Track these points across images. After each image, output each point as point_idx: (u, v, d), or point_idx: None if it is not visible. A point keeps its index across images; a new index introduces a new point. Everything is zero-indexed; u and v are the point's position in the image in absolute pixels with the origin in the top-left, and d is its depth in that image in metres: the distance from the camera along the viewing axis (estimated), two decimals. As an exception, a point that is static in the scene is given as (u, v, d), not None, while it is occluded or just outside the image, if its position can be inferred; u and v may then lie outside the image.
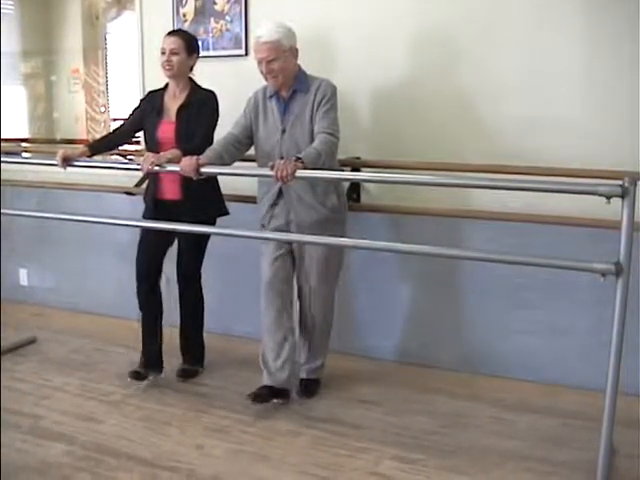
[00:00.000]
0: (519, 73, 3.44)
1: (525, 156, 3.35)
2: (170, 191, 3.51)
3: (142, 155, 3.34)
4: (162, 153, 3.24)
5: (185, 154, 3.19)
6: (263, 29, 3.19)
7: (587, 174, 3.03)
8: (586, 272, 2.48)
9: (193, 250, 3.62)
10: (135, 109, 3.61)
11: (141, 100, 3.64)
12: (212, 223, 3.55)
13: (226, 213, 3.61)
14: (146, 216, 3.61)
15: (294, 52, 3.24)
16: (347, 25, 3.74)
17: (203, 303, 3.75)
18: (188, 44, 3.45)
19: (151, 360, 3.69)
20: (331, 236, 3.19)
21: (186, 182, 3.33)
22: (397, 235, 3.63)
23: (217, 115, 3.47)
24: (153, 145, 3.47)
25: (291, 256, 3.42)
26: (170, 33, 3.49)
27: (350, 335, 3.98)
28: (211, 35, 4.09)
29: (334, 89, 3.24)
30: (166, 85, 3.56)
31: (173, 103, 3.49)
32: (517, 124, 3.46)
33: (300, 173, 2.87)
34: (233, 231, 3.33)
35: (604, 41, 3.27)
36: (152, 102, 3.55)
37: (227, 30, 4.00)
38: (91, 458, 2.87)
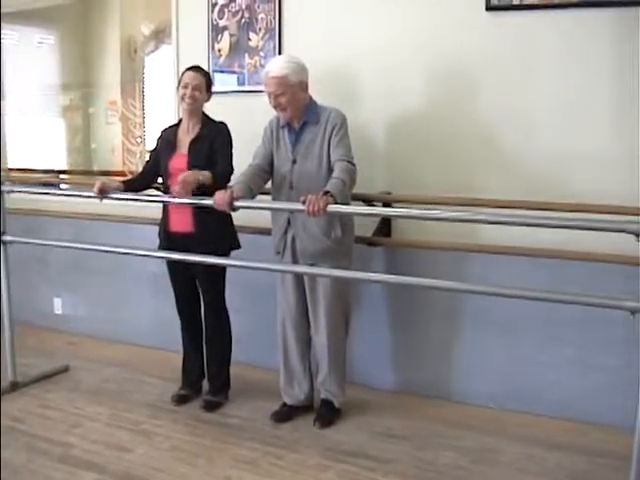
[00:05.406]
0: (545, 106, 3.44)
1: (552, 191, 3.37)
2: (181, 223, 3.55)
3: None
4: (193, 172, 3.30)
5: (213, 178, 3.29)
6: (272, 64, 3.29)
7: (616, 210, 3.04)
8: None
9: (211, 281, 3.67)
10: (153, 149, 3.72)
11: (157, 139, 3.72)
12: (226, 254, 3.59)
13: (238, 247, 3.65)
14: (160, 249, 3.69)
15: (303, 86, 3.30)
16: (370, 57, 3.79)
17: (229, 334, 3.76)
18: (207, 82, 3.57)
19: (191, 380, 3.82)
20: (336, 267, 3.27)
21: (199, 214, 3.40)
22: (426, 270, 3.60)
23: (231, 143, 3.53)
24: (166, 177, 3.57)
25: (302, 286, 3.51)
26: (191, 69, 3.56)
27: (373, 368, 3.99)
28: (246, 70, 4.17)
29: (344, 118, 3.31)
30: (179, 121, 3.66)
31: (186, 137, 3.57)
32: (544, 158, 3.45)
33: (331, 208, 2.91)
34: (249, 263, 3.41)
35: (633, 72, 3.25)
36: (166, 138, 3.65)
37: (261, 65, 4.05)
38: (120, 487, 2.91)
